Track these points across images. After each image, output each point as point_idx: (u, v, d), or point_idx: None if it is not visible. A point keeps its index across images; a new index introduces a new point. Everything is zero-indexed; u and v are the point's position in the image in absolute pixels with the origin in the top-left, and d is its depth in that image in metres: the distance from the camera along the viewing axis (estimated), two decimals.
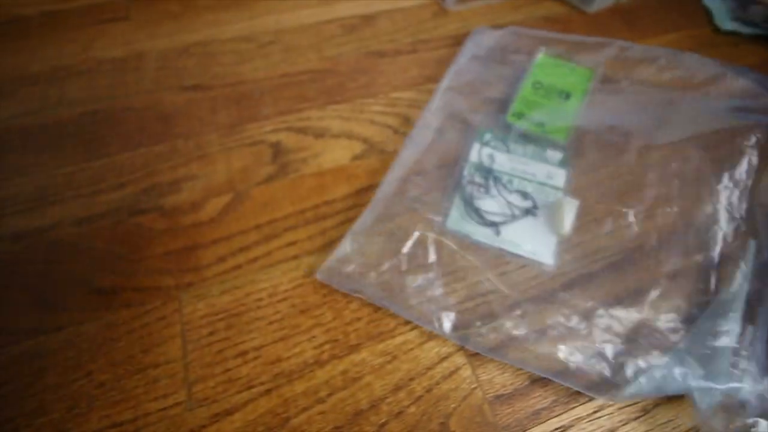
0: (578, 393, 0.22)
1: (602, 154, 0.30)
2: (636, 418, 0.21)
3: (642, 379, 0.21)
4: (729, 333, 0.21)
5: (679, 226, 0.26)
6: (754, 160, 0.28)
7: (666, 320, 0.23)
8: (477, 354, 0.23)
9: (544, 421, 0.21)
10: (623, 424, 0.21)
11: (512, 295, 0.24)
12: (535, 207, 0.27)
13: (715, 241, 0.25)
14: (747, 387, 0.20)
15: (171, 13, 0.39)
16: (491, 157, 0.29)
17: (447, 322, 0.23)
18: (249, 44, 0.37)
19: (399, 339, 0.23)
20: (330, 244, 0.26)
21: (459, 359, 0.23)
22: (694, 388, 0.20)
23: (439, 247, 0.25)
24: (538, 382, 0.22)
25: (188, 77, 0.34)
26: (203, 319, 0.23)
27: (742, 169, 0.27)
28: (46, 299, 0.24)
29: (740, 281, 0.23)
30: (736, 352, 0.21)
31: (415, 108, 0.33)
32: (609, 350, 0.22)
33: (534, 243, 0.26)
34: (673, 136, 0.29)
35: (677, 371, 0.21)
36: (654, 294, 0.24)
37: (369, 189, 0.28)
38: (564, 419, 0.21)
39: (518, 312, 0.23)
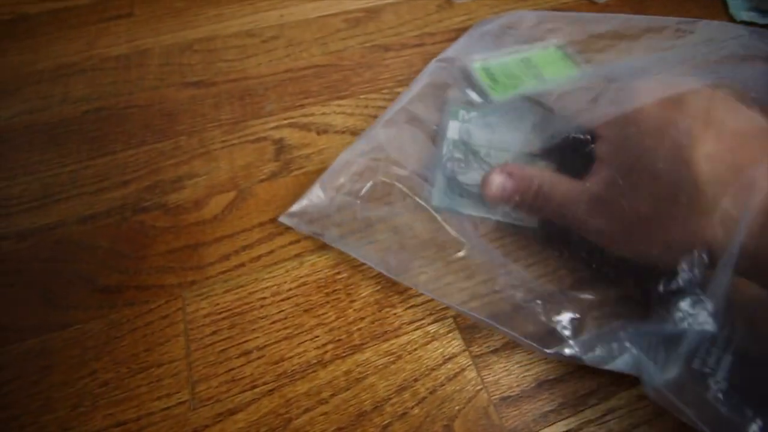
0: (587, 395, 0.21)
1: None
2: (647, 422, 0.21)
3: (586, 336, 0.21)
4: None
5: None
6: None
7: None
8: (482, 355, 0.22)
9: (552, 424, 0.21)
10: (633, 428, 0.21)
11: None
12: None
13: None
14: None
15: (174, 9, 0.39)
16: (468, 131, 0.29)
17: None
18: (252, 39, 0.36)
19: (403, 339, 0.23)
20: None
21: (464, 360, 0.22)
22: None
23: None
24: (546, 384, 0.22)
25: (192, 73, 0.34)
26: (206, 318, 0.23)
27: None
28: (51, 297, 0.24)
29: None
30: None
31: (421, 102, 0.32)
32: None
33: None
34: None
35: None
36: None
37: None
38: (572, 422, 0.21)
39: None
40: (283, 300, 0.24)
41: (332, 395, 0.21)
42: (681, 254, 0.18)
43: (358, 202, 0.26)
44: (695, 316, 0.17)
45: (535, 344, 0.21)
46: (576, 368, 0.22)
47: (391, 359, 0.22)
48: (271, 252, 0.26)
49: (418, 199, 0.26)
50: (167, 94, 0.33)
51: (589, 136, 0.23)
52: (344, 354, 0.22)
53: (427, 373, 0.22)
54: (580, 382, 0.22)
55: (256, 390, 0.21)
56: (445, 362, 0.22)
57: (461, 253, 0.24)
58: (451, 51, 0.33)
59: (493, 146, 0.28)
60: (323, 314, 0.24)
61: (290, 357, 0.22)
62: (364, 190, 0.26)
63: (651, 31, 0.31)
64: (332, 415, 0.21)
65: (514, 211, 0.25)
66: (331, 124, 0.31)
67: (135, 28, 0.37)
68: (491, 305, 0.23)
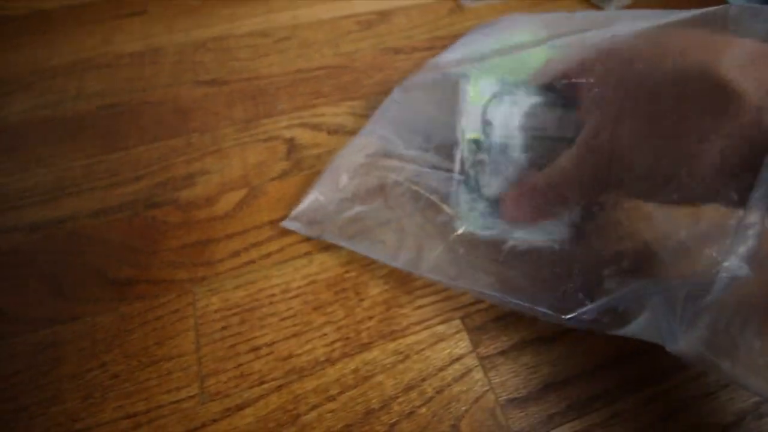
0: (593, 398, 0.21)
1: None
2: (652, 426, 0.21)
3: None
4: None
5: None
6: None
7: None
8: (489, 356, 0.23)
9: (558, 426, 0.21)
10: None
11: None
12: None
13: None
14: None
15: (188, 8, 0.39)
16: (490, 120, 0.24)
17: None
18: (265, 39, 0.37)
19: (411, 338, 0.23)
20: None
21: (471, 361, 0.23)
22: None
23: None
24: (552, 386, 0.22)
25: (205, 72, 0.34)
26: (217, 313, 0.24)
27: None
28: (62, 290, 0.24)
29: None
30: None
31: None
32: None
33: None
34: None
35: None
36: None
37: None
38: (577, 425, 0.21)
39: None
40: (292, 297, 0.24)
41: (340, 392, 0.22)
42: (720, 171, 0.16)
43: (359, 204, 0.25)
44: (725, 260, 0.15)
45: (551, 312, 0.20)
46: (582, 371, 0.22)
47: (399, 358, 0.23)
48: (281, 249, 0.26)
49: (428, 195, 0.25)
50: (180, 91, 0.33)
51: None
52: (352, 352, 0.23)
53: (434, 373, 0.22)
54: (587, 385, 0.22)
55: (265, 386, 0.22)
56: (452, 363, 0.22)
57: (461, 230, 0.23)
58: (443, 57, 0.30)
59: (530, 129, 0.23)
60: (332, 312, 0.24)
61: (299, 354, 0.23)
62: (364, 190, 0.26)
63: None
64: (340, 412, 0.21)
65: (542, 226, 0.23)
66: (342, 124, 0.31)
67: (149, 26, 0.37)
68: (503, 282, 0.23)
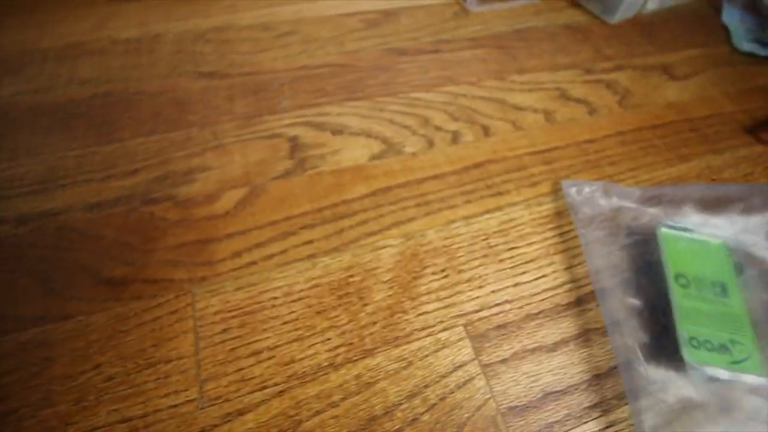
0: (591, 408, 0.22)
1: None
2: None
3: None
4: None
5: None
6: None
7: None
8: (491, 364, 0.23)
9: None
10: None
11: None
12: None
13: None
14: None
15: None
16: None
17: None
18: (267, 33, 0.36)
19: (415, 345, 0.23)
20: (347, 245, 0.26)
21: (473, 369, 0.23)
22: None
23: None
24: (552, 395, 0.22)
25: (204, 63, 0.33)
26: (216, 315, 0.23)
27: None
28: (53, 287, 0.23)
29: None
30: None
31: (435, 110, 0.32)
32: None
33: None
34: None
35: None
36: None
37: (386, 191, 0.28)
38: None
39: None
40: (294, 301, 0.24)
41: (343, 399, 0.21)
42: None
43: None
44: None
45: None
46: (581, 381, 0.23)
47: (402, 365, 0.23)
48: (284, 251, 0.25)
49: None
50: (179, 82, 0.32)
51: None
52: (355, 358, 0.22)
53: (437, 380, 0.22)
54: (585, 394, 0.22)
55: (266, 391, 0.21)
56: (455, 370, 0.23)
57: None
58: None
59: None
60: (335, 317, 0.24)
61: (301, 359, 0.22)
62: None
63: None
64: (342, 418, 0.21)
65: None
66: (346, 125, 0.31)
67: (147, 11, 0.36)
68: None
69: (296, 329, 0.23)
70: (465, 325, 0.24)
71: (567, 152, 0.31)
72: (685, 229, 0.26)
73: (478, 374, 0.23)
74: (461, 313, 0.24)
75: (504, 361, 0.23)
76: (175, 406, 0.21)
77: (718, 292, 0.24)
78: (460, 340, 0.23)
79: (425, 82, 0.34)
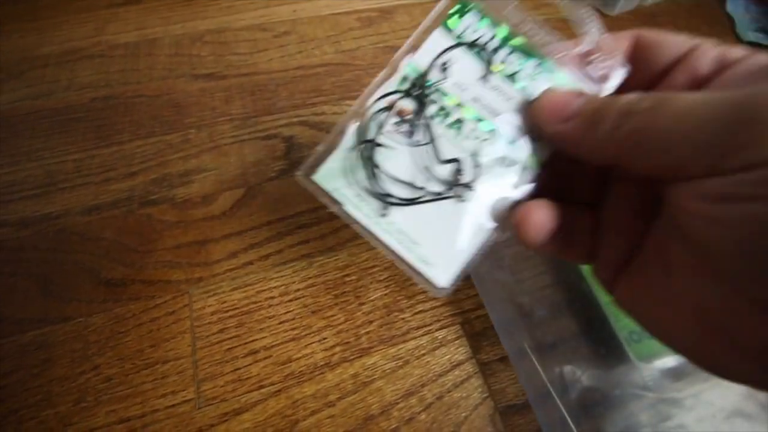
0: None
1: None
2: None
3: None
4: None
5: None
6: None
7: None
8: (489, 363, 0.23)
9: None
10: None
11: None
12: (469, 185, 0.16)
13: None
14: None
15: None
16: (447, 62, 0.17)
17: None
18: (264, 34, 0.36)
19: (411, 344, 0.23)
20: (343, 244, 0.26)
21: (470, 367, 0.23)
22: None
23: None
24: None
25: (202, 65, 0.33)
26: (213, 315, 0.23)
27: None
28: (53, 289, 0.24)
29: None
30: None
31: None
32: None
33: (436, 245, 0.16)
34: None
35: None
36: None
37: None
38: None
39: None
40: (291, 300, 0.24)
41: (339, 398, 0.21)
42: None
43: None
44: None
45: None
46: None
47: (399, 364, 0.22)
48: (280, 251, 0.25)
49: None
50: (176, 85, 0.32)
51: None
52: (352, 357, 0.22)
53: (434, 378, 0.22)
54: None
55: (263, 390, 0.21)
56: (452, 368, 0.22)
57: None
58: None
59: (482, 103, 0.17)
60: (332, 316, 0.23)
61: (298, 358, 0.22)
62: None
63: None
64: (339, 418, 0.21)
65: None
66: None
67: (144, 16, 0.36)
68: None
69: (293, 329, 0.23)
70: (462, 324, 0.24)
71: None
72: None
73: (475, 373, 0.22)
74: (458, 311, 0.24)
75: (502, 359, 0.23)
76: (173, 406, 0.21)
77: None
78: (457, 338, 0.23)
79: None
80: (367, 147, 0.17)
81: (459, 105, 0.17)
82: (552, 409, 0.20)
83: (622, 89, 0.16)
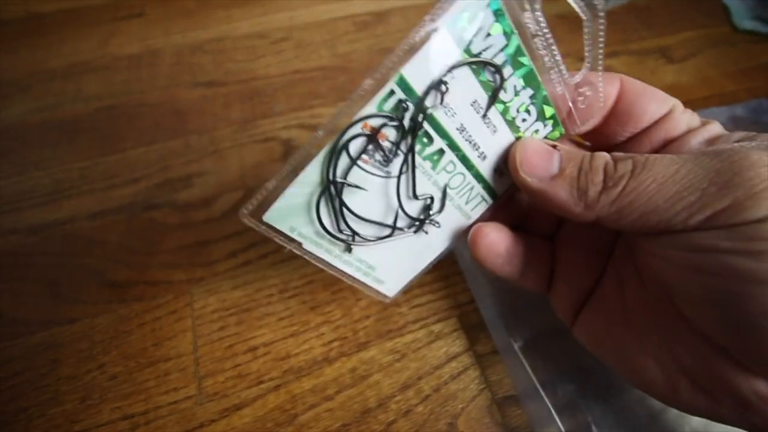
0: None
1: None
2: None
3: None
4: None
5: None
6: None
7: None
8: (486, 354, 0.23)
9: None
10: None
11: None
12: (436, 222, 0.16)
13: None
14: None
15: (185, 10, 0.39)
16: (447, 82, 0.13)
17: None
18: (262, 41, 0.37)
19: (408, 337, 0.23)
20: None
21: (467, 359, 0.23)
22: None
23: None
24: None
25: (202, 74, 0.34)
26: (214, 313, 0.24)
27: None
28: (60, 291, 0.24)
29: None
30: None
31: None
32: None
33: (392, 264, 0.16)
34: None
35: None
36: None
37: None
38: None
39: None
40: (289, 297, 0.24)
41: (337, 392, 0.22)
42: None
43: None
44: None
45: None
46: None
47: (396, 357, 0.23)
48: (278, 250, 0.26)
49: None
50: (178, 93, 0.33)
51: None
52: (350, 351, 0.23)
53: (431, 371, 0.22)
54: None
55: (263, 386, 0.22)
56: (449, 361, 0.23)
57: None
58: None
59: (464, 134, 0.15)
60: (329, 312, 0.24)
61: (296, 354, 0.23)
62: None
63: None
64: (337, 411, 0.21)
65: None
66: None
67: (147, 28, 0.37)
68: None
69: (291, 325, 0.23)
70: (459, 317, 0.24)
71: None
72: None
73: (472, 365, 0.22)
74: (455, 304, 0.24)
75: (498, 351, 0.23)
76: (175, 402, 0.21)
77: None
78: (453, 331, 0.23)
79: None
80: (334, 185, 0.14)
81: (445, 134, 0.14)
82: (539, 404, 0.20)
83: (599, 130, 0.17)
